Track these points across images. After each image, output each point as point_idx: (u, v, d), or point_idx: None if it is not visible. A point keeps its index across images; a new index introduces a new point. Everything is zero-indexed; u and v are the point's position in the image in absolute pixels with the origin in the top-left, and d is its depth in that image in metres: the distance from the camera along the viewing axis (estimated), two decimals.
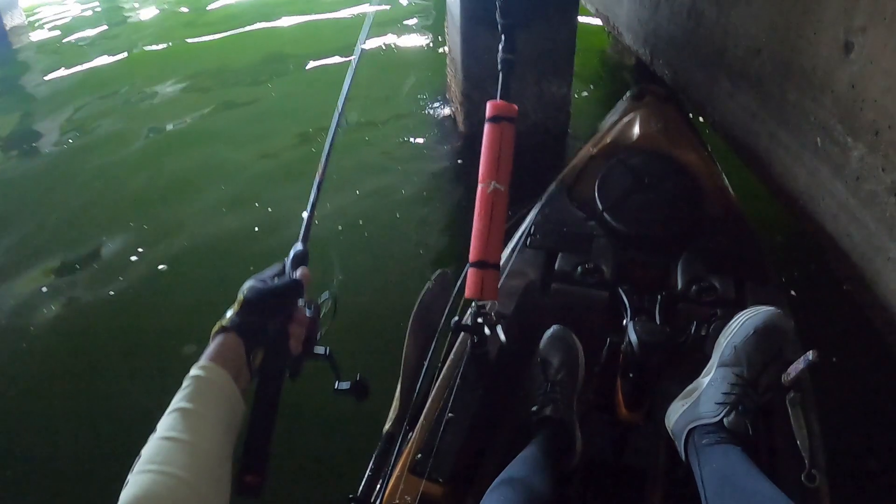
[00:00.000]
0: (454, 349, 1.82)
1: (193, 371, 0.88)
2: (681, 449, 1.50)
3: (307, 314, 1.08)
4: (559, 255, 2.12)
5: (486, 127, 1.66)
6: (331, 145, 1.43)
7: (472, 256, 1.63)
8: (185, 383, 0.86)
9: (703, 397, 1.48)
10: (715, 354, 1.53)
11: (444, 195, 3.83)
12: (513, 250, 2.15)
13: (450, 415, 1.62)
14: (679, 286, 2.00)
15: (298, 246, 1.19)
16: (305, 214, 1.27)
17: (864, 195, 2.22)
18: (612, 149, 2.47)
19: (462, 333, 1.79)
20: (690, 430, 1.46)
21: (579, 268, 2.05)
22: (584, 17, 5.37)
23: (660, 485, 1.57)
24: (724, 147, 3.25)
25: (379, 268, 3.24)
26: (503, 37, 1.73)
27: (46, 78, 5.67)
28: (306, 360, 1.10)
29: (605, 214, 2.24)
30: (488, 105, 1.67)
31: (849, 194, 2.30)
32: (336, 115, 1.51)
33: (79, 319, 3.09)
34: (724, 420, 1.39)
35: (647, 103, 2.67)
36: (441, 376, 1.76)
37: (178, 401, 0.84)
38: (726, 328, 1.53)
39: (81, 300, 3.18)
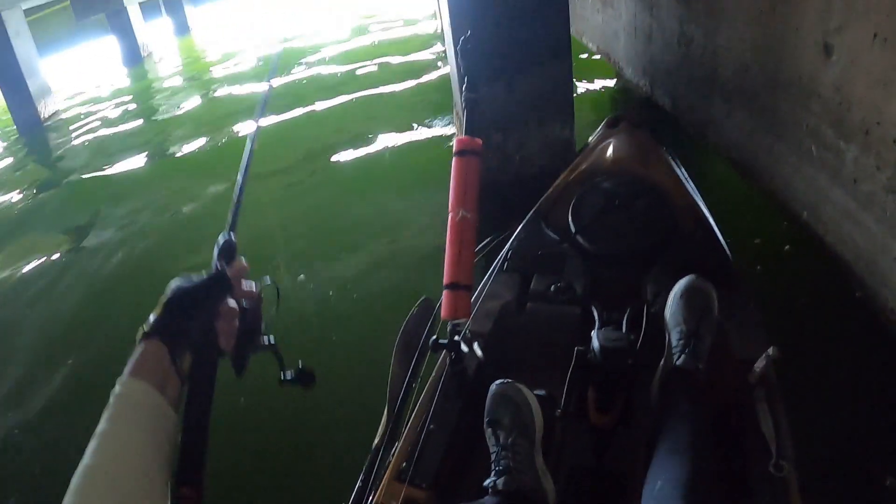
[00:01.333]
0: (436, 367, 1.95)
1: (115, 387, 0.81)
2: (653, 401, 1.70)
3: (242, 305, 1.01)
4: (534, 276, 2.24)
5: (454, 161, 1.82)
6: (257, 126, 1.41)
7: (445, 279, 1.78)
8: (109, 401, 0.80)
9: (665, 357, 1.73)
10: (666, 328, 1.78)
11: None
12: (490, 274, 2.28)
13: (430, 426, 1.77)
14: (648, 297, 2.09)
15: (225, 236, 1.09)
16: (234, 198, 1.19)
17: (862, 197, 2.26)
18: (587, 174, 2.58)
19: (442, 352, 1.91)
20: (658, 384, 1.69)
21: (552, 286, 2.15)
22: (585, 54, 5.56)
23: (640, 488, 1.61)
24: (726, 170, 3.34)
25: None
26: (465, 78, 1.88)
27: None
28: (252, 354, 1.03)
29: (577, 236, 2.35)
30: (455, 141, 1.83)
31: (848, 198, 2.33)
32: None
33: None
34: (678, 361, 1.67)
35: (621, 129, 2.76)
36: (423, 393, 1.89)
37: (101, 423, 0.78)
38: (666, 306, 1.82)
39: None
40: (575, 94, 3.64)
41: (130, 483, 0.75)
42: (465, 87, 1.89)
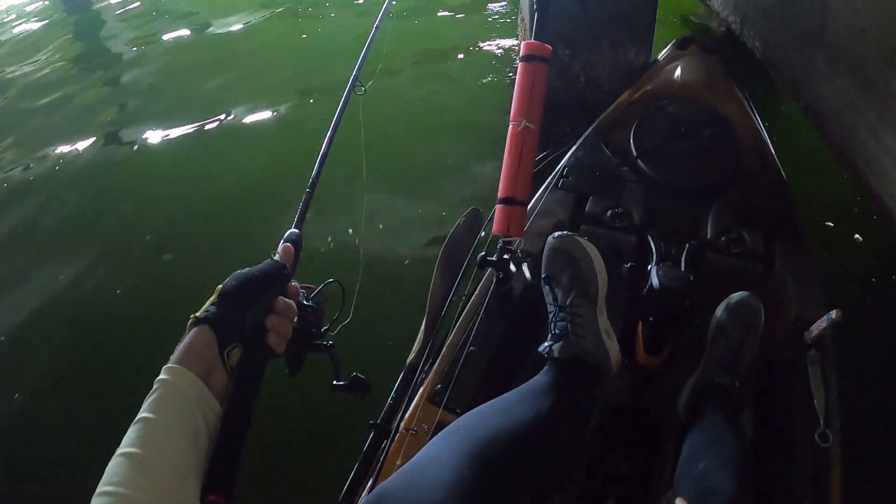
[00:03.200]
0: (480, 285, 1.88)
1: (161, 374, 0.81)
2: (681, 411, 1.59)
3: (304, 303, 1.00)
4: (590, 198, 2.14)
5: (520, 66, 1.72)
6: (342, 110, 1.43)
7: (500, 193, 1.70)
8: (153, 387, 0.79)
9: (701, 368, 1.60)
10: (708, 338, 1.63)
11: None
12: (544, 191, 2.18)
13: (471, 348, 1.70)
14: (708, 236, 1.98)
15: (292, 230, 1.09)
16: (306, 191, 1.20)
17: None
18: (652, 96, 2.46)
19: (488, 269, 1.84)
20: (689, 395, 1.57)
21: (609, 211, 2.06)
22: None
23: (676, 431, 1.59)
24: (812, 138, 3.10)
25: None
26: None
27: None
28: (307, 354, 1.03)
29: (638, 160, 2.24)
30: (522, 44, 1.73)
31: None
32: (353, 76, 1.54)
33: None
34: (715, 376, 1.53)
35: (691, 52, 2.63)
36: (465, 310, 1.82)
37: (142, 410, 0.77)
38: (714, 315, 1.64)
39: None
40: None
41: (168, 476, 0.75)
42: None
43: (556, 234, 1.56)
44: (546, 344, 1.48)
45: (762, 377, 1.63)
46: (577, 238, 1.54)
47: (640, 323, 1.67)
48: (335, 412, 2.16)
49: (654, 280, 1.59)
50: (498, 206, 1.70)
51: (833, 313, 1.54)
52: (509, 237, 1.72)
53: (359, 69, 1.57)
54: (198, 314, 0.85)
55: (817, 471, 1.46)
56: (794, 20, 3.30)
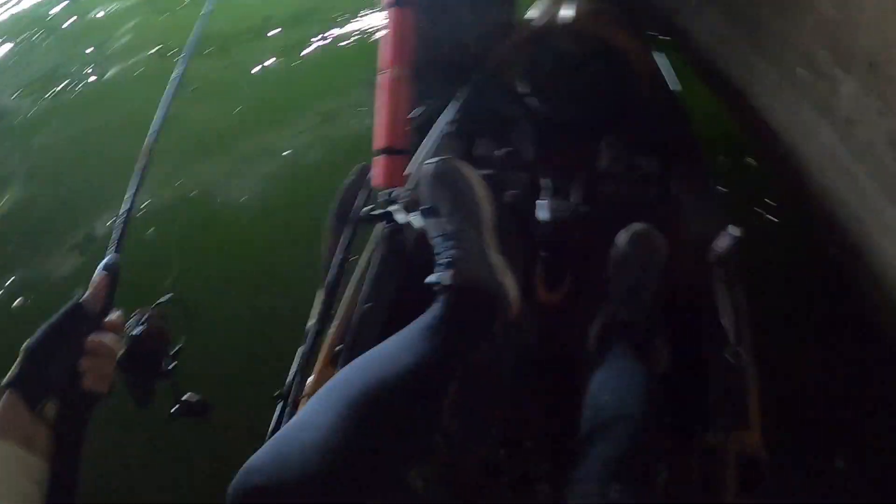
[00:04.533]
0: (371, 241, 1.83)
1: None
2: (591, 347, 1.57)
3: (132, 334, 0.97)
4: (478, 140, 2.10)
5: (389, 13, 1.69)
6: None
7: (376, 144, 1.66)
8: None
9: (605, 305, 1.57)
10: (607, 276, 1.60)
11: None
12: (434, 139, 2.13)
13: (367, 304, 1.65)
14: (602, 166, 1.98)
15: (110, 255, 1.01)
16: (123, 212, 1.11)
17: (856, 143, 1.97)
18: (540, 33, 2.40)
19: (377, 224, 1.80)
20: (596, 334, 1.55)
21: (498, 153, 2.02)
22: None
23: (587, 367, 1.56)
24: (690, 77, 3.00)
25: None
26: None
27: None
28: (152, 382, 1.00)
29: (527, 98, 2.21)
30: None
31: (837, 141, 2.06)
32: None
33: None
34: (619, 314, 1.52)
35: None
36: (357, 269, 1.77)
37: None
38: (611, 251, 1.60)
39: None
40: None
41: None
42: None
43: (432, 160, 1.46)
44: (433, 276, 1.37)
45: (670, 300, 1.62)
46: (455, 162, 1.44)
47: (536, 260, 1.66)
48: (241, 388, 2.11)
49: (542, 213, 1.58)
50: (377, 158, 1.67)
51: (733, 230, 1.54)
52: (392, 188, 1.68)
53: (185, 61, 1.47)
54: (3, 380, 0.82)
55: (732, 387, 1.46)
56: None
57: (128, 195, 1.14)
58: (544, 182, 1.73)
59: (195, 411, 1.05)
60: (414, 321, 1.31)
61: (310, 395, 1.51)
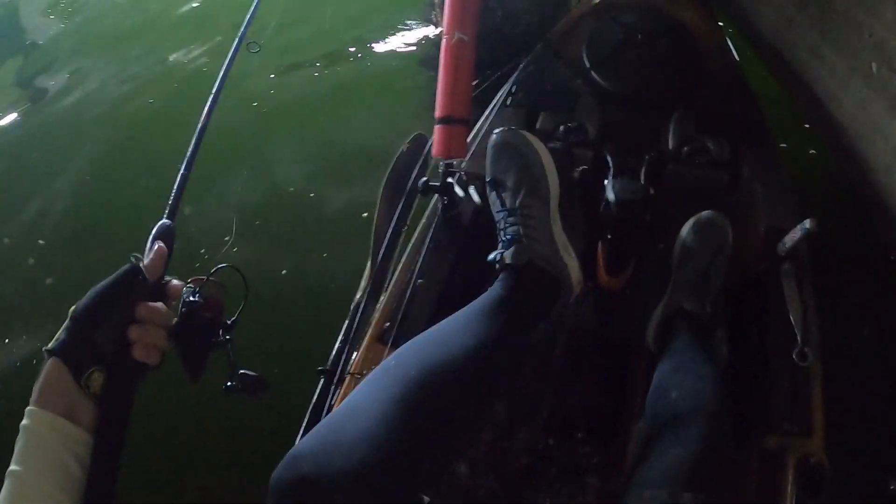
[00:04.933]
0: (426, 214, 1.79)
1: (24, 418, 0.77)
2: (650, 341, 1.50)
3: (189, 300, 0.92)
4: (541, 113, 2.04)
5: None
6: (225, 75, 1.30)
7: (437, 112, 1.59)
8: (20, 434, 0.76)
9: (668, 294, 1.51)
10: (673, 263, 1.54)
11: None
12: (491, 110, 2.08)
13: (419, 281, 1.61)
14: (670, 147, 1.91)
15: (163, 221, 0.98)
16: (179, 177, 1.07)
17: None
18: (605, 6, 2.35)
19: (434, 196, 1.74)
20: (658, 323, 1.48)
21: (562, 127, 1.96)
22: None
23: (645, 358, 1.52)
24: (753, 61, 2.94)
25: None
26: None
27: None
28: (206, 354, 0.95)
29: (592, 72, 2.15)
30: None
31: None
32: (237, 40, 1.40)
33: None
34: (684, 303, 1.43)
35: None
36: (412, 242, 1.73)
37: (12, 461, 0.75)
38: (677, 238, 1.54)
39: None
40: None
41: None
42: None
43: (499, 129, 1.41)
44: (496, 252, 1.33)
45: (735, 293, 1.57)
46: (522, 132, 1.38)
47: (600, 242, 1.59)
48: (286, 360, 2.08)
49: (611, 194, 1.51)
50: (436, 127, 1.59)
51: (807, 222, 1.46)
52: (451, 159, 1.62)
53: (249, 21, 1.45)
54: (49, 345, 0.79)
55: (797, 390, 1.40)
56: None
57: (186, 159, 1.11)
58: (611, 160, 1.66)
59: (252, 387, 0.99)
60: (473, 301, 1.26)
61: (356, 371, 1.48)
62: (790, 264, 1.55)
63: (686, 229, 1.51)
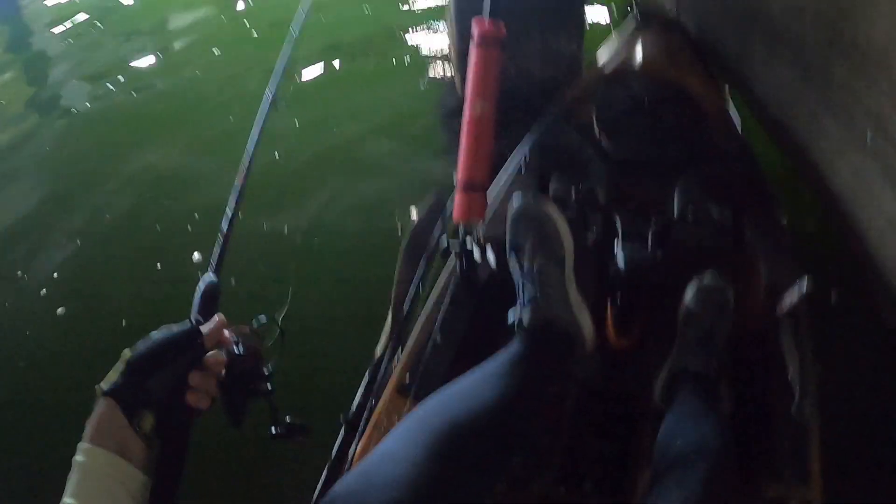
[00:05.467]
0: (443, 273, 1.88)
1: (76, 454, 0.79)
2: (657, 398, 1.59)
3: (235, 351, 0.95)
4: (553, 177, 2.13)
5: (473, 51, 1.71)
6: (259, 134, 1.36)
7: (459, 179, 1.68)
8: (72, 468, 0.78)
9: (674, 355, 1.59)
10: (679, 325, 1.62)
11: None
12: (508, 175, 2.18)
13: (437, 337, 1.70)
14: (675, 211, 2.00)
15: (209, 277, 1.02)
16: (223, 229, 1.10)
17: None
18: (613, 74, 2.48)
19: (451, 257, 1.83)
20: (664, 383, 1.57)
21: (573, 191, 2.05)
22: None
23: (652, 413, 1.60)
24: (754, 126, 2.95)
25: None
26: None
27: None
28: (249, 402, 0.99)
29: (601, 138, 2.24)
30: (474, 24, 1.71)
31: None
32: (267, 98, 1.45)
33: None
34: (689, 364, 1.52)
35: (650, 29, 2.67)
36: (430, 299, 1.82)
37: (65, 494, 0.77)
38: (683, 301, 1.62)
39: None
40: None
41: None
42: None
43: (519, 197, 1.55)
44: (513, 312, 1.46)
45: (737, 348, 1.65)
46: (542, 201, 1.54)
47: (609, 303, 1.68)
48: (305, 411, 2.12)
49: (620, 258, 1.60)
50: (458, 193, 1.69)
51: (804, 282, 1.56)
52: (470, 223, 1.71)
53: (277, 81, 1.52)
54: (102, 385, 0.82)
55: (796, 441, 1.49)
56: (730, 2, 3.13)
57: (227, 214, 1.13)
58: (620, 224, 1.76)
59: (296, 433, 1.06)
60: (493, 356, 1.36)
61: (378, 422, 1.56)
62: (789, 321, 1.64)
63: (689, 293, 1.61)
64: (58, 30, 5.11)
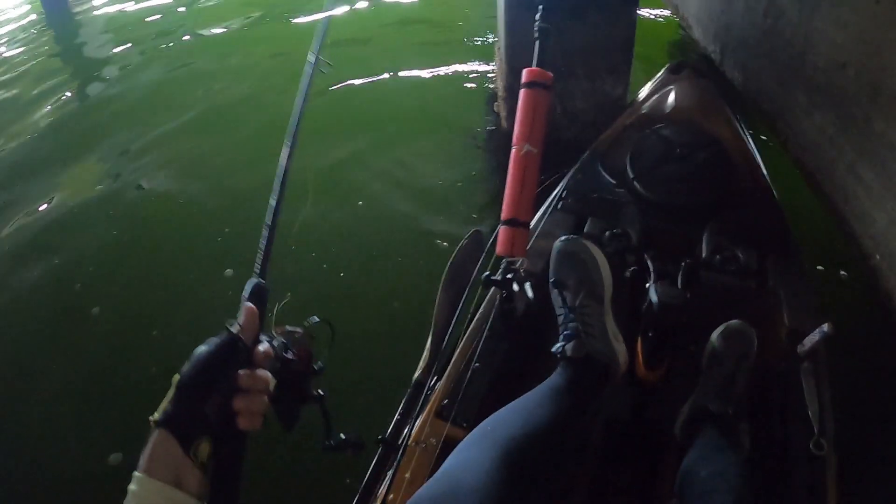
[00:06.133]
0: (484, 303, 1.96)
1: (131, 483, 0.78)
2: (678, 434, 1.65)
3: (285, 356, 0.94)
4: (588, 219, 2.23)
5: (521, 93, 1.81)
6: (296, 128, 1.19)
7: (503, 215, 1.77)
8: (126, 499, 0.77)
9: (696, 393, 1.67)
10: (703, 365, 1.72)
11: (474, 185, 3.56)
12: (544, 212, 2.28)
13: (476, 364, 1.78)
14: (703, 255, 2.08)
15: (254, 280, 0.98)
16: (265, 233, 1.04)
17: None
18: (647, 119, 2.58)
19: (492, 289, 1.91)
20: (685, 420, 1.64)
21: (607, 232, 2.14)
22: (650, 10, 5.07)
23: (673, 447, 1.67)
24: (792, 174, 3.12)
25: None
26: (540, 7, 1.86)
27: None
28: (301, 406, 0.97)
29: (635, 182, 2.34)
30: (524, 72, 1.81)
31: None
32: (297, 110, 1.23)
33: None
34: (710, 404, 1.59)
35: (685, 77, 2.74)
36: (470, 328, 1.90)
37: None
38: (708, 344, 1.72)
39: None
40: None
41: None
42: (539, 16, 1.86)
43: (563, 237, 1.68)
44: (558, 345, 1.59)
45: (757, 388, 1.70)
46: (584, 241, 1.66)
47: (640, 338, 1.75)
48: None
49: (654, 296, 1.66)
50: (501, 228, 1.77)
51: (825, 326, 1.62)
52: (513, 257, 1.79)
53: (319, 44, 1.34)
54: (155, 415, 0.80)
55: (814, 479, 1.53)
56: (775, 52, 3.34)
57: (269, 217, 1.07)
58: (651, 265, 1.83)
59: (349, 447, 1.06)
60: (541, 385, 1.52)
61: (417, 443, 1.64)
62: (809, 363, 1.70)
63: (715, 336, 1.70)
64: None
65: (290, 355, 0.95)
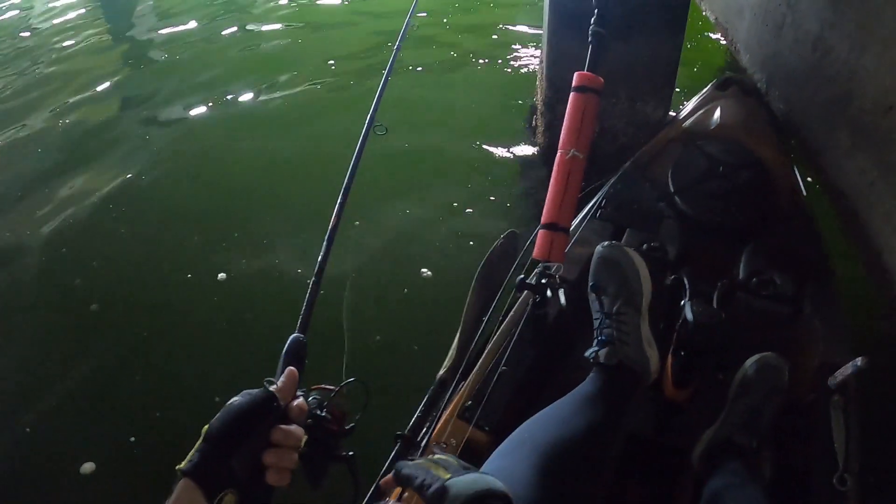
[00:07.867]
0: (515, 307, 1.95)
1: None
2: (695, 462, 1.63)
3: (319, 414, 0.96)
4: (627, 230, 2.23)
5: (571, 96, 1.81)
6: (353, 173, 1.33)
7: (544, 218, 1.77)
8: None
9: (720, 422, 1.65)
10: (729, 396, 1.69)
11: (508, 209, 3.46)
12: (583, 219, 2.28)
13: (503, 368, 1.77)
14: (741, 276, 2.07)
15: (295, 336, 1.02)
16: (308, 291, 1.10)
17: None
18: (691, 134, 2.58)
19: (524, 292, 1.91)
20: (706, 448, 1.62)
21: (644, 245, 2.13)
22: (700, 33, 4.96)
23: (691, 470, 1.64)
24: (827, 213, 3.04)
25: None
26: (596, 11, 1.86)
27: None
28: (329, 464, 0.97)
29: (675, 197, 2.34)
30: (575, 75, 1.81)
31: None
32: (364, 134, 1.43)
33: None
34: (733, 435, 1.58)
35: (731, 94, 2.75)
36: (499, 331, 1.89)
37: None
38: (741, 368, 1.70)
39: None
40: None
41: None
42: (594, 21, 1.86)
43: (604, 243, 1.68)
44: (592, 349, 1.59)
45: (784, 417, 1.69)
46: (627, 249, 1.67)
47: (670, 356, 1.73)
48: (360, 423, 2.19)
49: (689, 314, 1.65)
50: (541, 231, 1.77)
51: (859, 360, 1.60)
52: (549, 262, 1.79)
53: (375, 107, 1.52)
54: (182, 464, 0.80)
55: None
56: (820, 87, 3.28)
57: (314, 277, 1.13)
58: (688, 283, 1.82)
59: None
60: (574, 391, 1.52)
61: (437, 442, 1.63)
62: (839, 397, 1.68)
63: (749, 364, 1.68)
64: None
65: (323, 413, 0.97)
